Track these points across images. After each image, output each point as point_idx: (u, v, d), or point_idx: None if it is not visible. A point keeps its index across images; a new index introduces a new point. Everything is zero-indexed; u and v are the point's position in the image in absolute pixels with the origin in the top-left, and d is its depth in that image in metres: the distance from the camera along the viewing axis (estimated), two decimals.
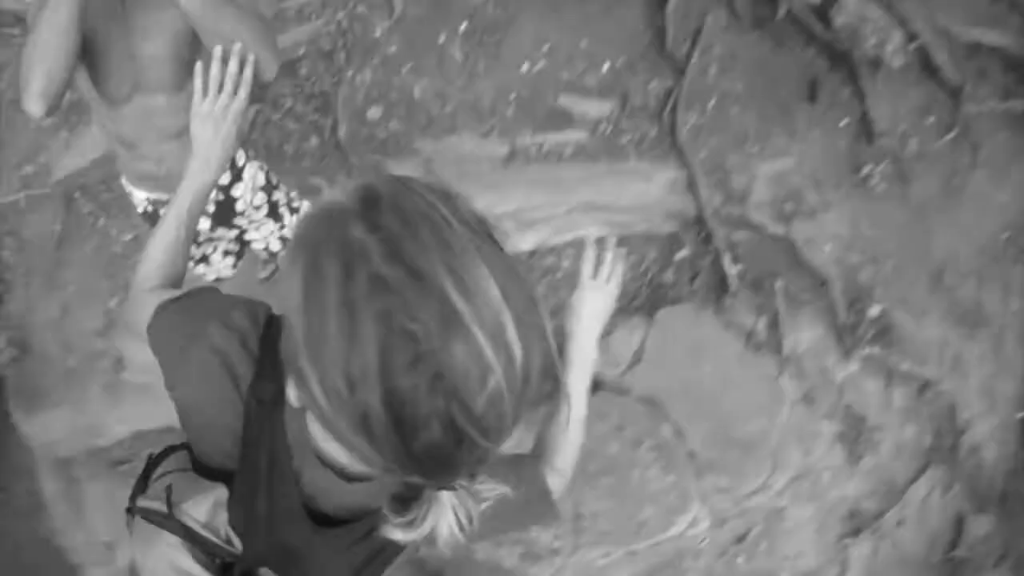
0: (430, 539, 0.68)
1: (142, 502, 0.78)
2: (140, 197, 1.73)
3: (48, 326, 2.75)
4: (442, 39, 2.84)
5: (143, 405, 2.52)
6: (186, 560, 0.74)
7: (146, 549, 0.77)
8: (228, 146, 1.12)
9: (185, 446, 0.91)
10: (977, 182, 2.89)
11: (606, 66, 2.74)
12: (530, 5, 2.80)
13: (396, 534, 0.67)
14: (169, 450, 0.94)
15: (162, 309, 0.87)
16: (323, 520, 0.76)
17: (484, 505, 0.69)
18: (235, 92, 1.10)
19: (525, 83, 2.77)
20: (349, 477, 0.71)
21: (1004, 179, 2.95)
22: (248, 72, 1.11)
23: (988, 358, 2.70)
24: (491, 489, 0.71)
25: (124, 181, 1.74)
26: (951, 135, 2.82)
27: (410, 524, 0.66)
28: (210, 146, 1.10)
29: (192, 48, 1.38)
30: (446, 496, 0.66)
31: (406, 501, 0.67)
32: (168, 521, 0.74)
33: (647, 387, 2.59)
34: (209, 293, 0.89)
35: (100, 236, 2.86)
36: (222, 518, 0.75)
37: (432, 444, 0.51)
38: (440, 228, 0.52)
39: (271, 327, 0.76)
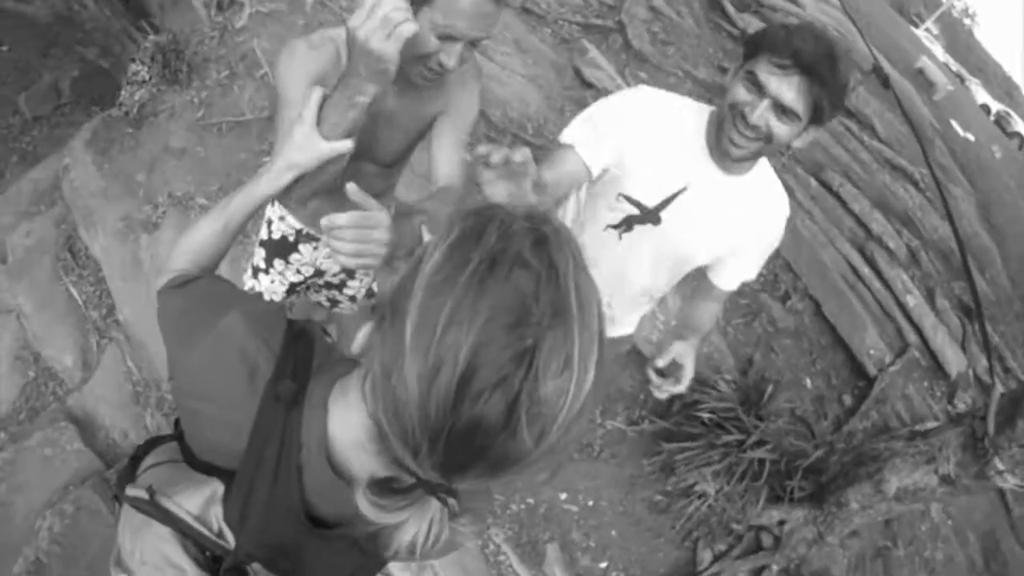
0: (382, 541, 0.67)
1: (131, 491, 0.77)
2: (288, 223, 1.73)
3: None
4: None
5: None
6: (176, 551, 0.74)
7: (135, 538, 0.77)
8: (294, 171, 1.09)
9: (174, 437, 0.91)
10: None
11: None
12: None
13: (363, 504, 0.64)
14: (157, 440, 0.92)
15: (176, 290, 0.86)
16: (318, 523, 0.76)
17: (445, 538, 0.68)
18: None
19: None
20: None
21: None
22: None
23: None
24: (465, 530, 0.70)
25: (279, 205, 1.72)
26: None
27: (382, 508, 0.64)
28: (290, 158, 1.08)
29: (416, 141, 1.48)
30: (434, 505, 0.65)
31: (389, 487, 0.65)
32: (159, 512, 0.73)
33: None
34: (229, 285, 0.90)
35: (229, 100, 3.38)
36: (215, 512, 0.74)
37: (480, 419, 0.53)
38: (578, 256, 0.60)
39: (295, 330, 0.78)
